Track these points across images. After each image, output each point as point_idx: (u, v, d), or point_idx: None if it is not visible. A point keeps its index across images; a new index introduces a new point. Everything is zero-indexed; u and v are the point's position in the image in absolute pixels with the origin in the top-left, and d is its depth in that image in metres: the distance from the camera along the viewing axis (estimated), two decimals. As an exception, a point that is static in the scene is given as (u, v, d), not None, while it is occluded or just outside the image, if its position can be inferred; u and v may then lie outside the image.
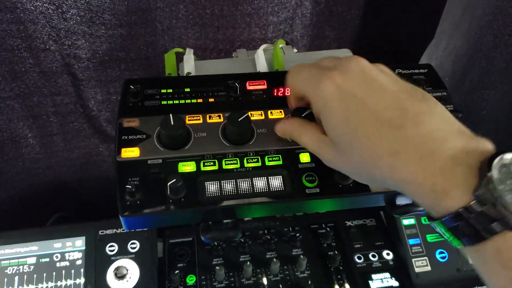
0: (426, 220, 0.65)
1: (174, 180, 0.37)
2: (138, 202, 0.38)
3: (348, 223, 0.68)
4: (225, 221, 0.42)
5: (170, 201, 0.38)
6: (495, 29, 0.58)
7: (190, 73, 0.52)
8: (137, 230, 0.61)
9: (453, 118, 0.31)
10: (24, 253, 0.58)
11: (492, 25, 0.57)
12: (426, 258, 0.63)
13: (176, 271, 0.59)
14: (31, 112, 0.67)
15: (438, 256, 0.63)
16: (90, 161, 0.78)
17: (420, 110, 0.30)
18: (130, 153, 0.41)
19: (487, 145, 0.29)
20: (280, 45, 0.59)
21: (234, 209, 0.40)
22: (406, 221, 0.66)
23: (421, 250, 0.64)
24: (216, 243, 0.62)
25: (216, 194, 0.39)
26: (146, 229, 0.60)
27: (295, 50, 0.60)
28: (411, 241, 0.64)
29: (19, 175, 0.74)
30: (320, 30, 0.70)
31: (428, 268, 0.62)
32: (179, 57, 0.55)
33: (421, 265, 0.62)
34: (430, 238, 0.65)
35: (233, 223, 0.41)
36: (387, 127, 0.30)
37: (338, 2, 0.67)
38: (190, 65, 0.54)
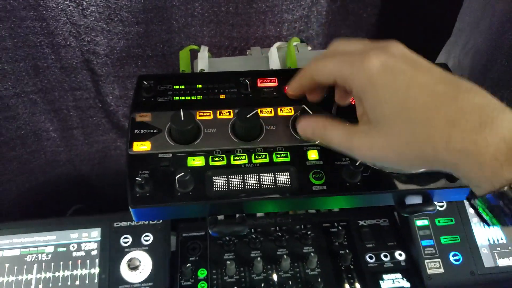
0: (440, 221, 0.65)
1: (182, 173, 0.38)
2: (148, 194, 0.39)
3: (361, 222, 0.67)
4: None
5: (179, 194, 0.39)
6: (516, 27, 0.56)
7: (204, 70, 0.53)
8: (150, 223, 0.62)
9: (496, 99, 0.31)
10: (43, 242, 0.60)
11: (514, 22, 0.56)
12: (439, 260, 0.62)
13: (188, 265, 0.60)
14: (52, 106, 0.69)
15: (451, 259, 0.62)
16: (108, 155, 0.80)
17: (470, 86, 0.30)
18: (142, 146, 0.42)
19: None
20: (294, 43, 0.59)
21: (240, 204, 0.40)
22: (419, 222, 0.65)
23: (434, 251, 0.63)
24: (227, 238, 0.63)
25: (223, 188, 0.40)
26: (159, 221, 0.62)
27: (310, 48, 0.60)
28: (424, 242, 0.63)
29: (41, 167, 0.77)
30: (336, 29, 0.70)
31: (441, 270, 0.61)
32: (194, 55, 0.56)
33: (433, 267, 0.61)
34: (444, 240, 0.64)
35: (240, 218, 0.42)
36: (442, 99, 0.29)
37: (354, 0, 0.66)
38: (204, 62, 0.54)
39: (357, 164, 0.40)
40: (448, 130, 0.29)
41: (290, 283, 0.59)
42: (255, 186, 0.40)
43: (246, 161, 0.41)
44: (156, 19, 0.60)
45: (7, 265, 0.58)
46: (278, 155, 0.42)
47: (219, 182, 0.40)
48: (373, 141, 0.33)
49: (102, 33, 0.60)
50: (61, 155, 0.77)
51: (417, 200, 0.44)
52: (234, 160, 0.42)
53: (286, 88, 0.46)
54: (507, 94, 0.67)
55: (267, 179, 0.41)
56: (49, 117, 0.71)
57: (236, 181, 0.40)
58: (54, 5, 0.56)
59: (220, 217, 0.42)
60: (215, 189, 0.40)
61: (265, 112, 0.45)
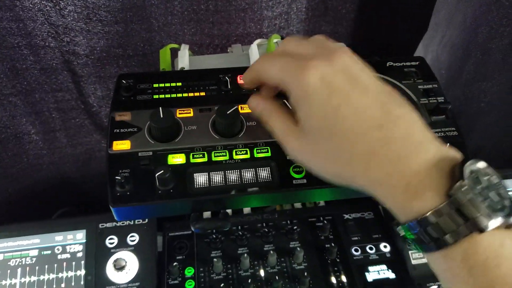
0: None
1: (162, 171, 0.38)
2: (128, 193, 0.39)
3: (346, 216, 0.68)
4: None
5: (159, 192, 0.39)
6: (490, 20, 0.57)
7: (184, 68, 0.53)
8: (136, 222, 0.62)
9: (426, 126, 0.31)
10: (27, 246, 0.59)
11: (487, 16, 0.57)
12: (423, 250, 0.63)
13: (175, 263, 0.60)
14: (34, 108, 0.69)
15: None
16: (93, 157, 0.80)
17: (400, 113, 0.30)
18: (122, 145, 0.42)
19: (457, 153, 0.30)
20: (275, 40, 0.59)
21: (222, 200, 0.40)
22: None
23: (418, 242, 0.63)
24: (214, 236, 0.63)
25: (204, 185, 0.40)
26: (144, 221, 0.62)
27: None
28: (424, 249, 0.64)
29: (24, 171, 0.76)
30: (315, 25, 0.70)
31: (425, 260, 0.62)
32: (175, 53, 0.56)
33: (418, 257, 0.62)
34: (427, 230, 0.65)
35: (223, 214, 0.42)
36: (368, 126, 0.30)
37: (333, -4, 0.67)
38: (184, 60, 0.54)
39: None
40: (368, 159, 0.30)
41: (277, 278, 0.60)
42: (237, 182, 0.40)
43: (227, 157, 0.42)
44: (136, 18, 0.60)
45: (-10, 270, 0.57)
46: (259, 151, 0.42)
47: (201, 179, 0.40)
48: (302, 147, 0.34)
49: (81, 33, 0.59)
50: (44, 158, 0.76)
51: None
52: (215, 156, 0.42)
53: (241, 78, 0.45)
54: (483, 86, 0.68)
55: (248, 174, 0.41)
56: (30, 119, 0.70)
57: (217, 177, 0.41)
58: (30, 5, 0.56)
59: (207, 213, 0.42)
60: (197, 186, 0.40)
61: (246, 109, 0.45)
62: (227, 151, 0.42)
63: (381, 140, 0.29)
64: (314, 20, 0.70)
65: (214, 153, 0.42)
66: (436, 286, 0.61)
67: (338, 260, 0.62)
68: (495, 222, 0.27)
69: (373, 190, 0.31)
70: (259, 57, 0.39)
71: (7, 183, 0.76)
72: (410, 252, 0.62)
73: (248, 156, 0.42)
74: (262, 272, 0.61)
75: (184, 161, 0.41)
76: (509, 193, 0.29)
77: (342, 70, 0.32)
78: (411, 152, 0.29)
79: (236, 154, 0.42)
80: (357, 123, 0.30)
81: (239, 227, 0.65)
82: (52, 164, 0.78)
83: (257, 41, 0.58)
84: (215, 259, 0.60)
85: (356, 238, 0.65)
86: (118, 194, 0.39)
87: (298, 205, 0.69)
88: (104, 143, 0.79)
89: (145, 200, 0.39)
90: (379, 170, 0.29)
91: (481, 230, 0.27)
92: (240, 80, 0.48)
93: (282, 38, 0.61)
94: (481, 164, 0.29)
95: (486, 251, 0.26)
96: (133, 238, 0.61)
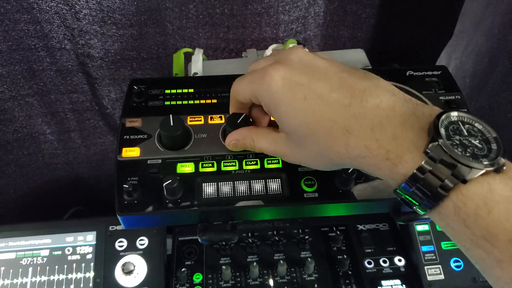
0: (441, 227, 0.64)
1: (170, 181, 0.37)
2: (136, 202, 0.38)
3: (360, 227, 0.66)
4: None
5: (167, 201, 0.38)
6: (519, 27, 0.54)
7: (197, 74, 0.53)
8: (146, 227, 0.62)
9: (398, 90, 0.32)
10: (38, 245, 0.60)
11: (516, 23, 0.54)
12: (439, 266, 0.61)
13: (183, 269, 0.60)
14: (49, 109, 0.69)
15: (452, 265, 0.61)
16: (106, 158, 0.80)
17: (364, 86, 0.31)
18: (131, 152, 0.41)
19: (435, 109, 0.30)
20: (291, 45, 0.58)
21: (230, 212, 0.39)
22: (420, 227, 0.64)
23: (434, 257, 0.61)
24: (224, 243, 0.62)
25: (213, 195, 0.39)
26: (152, 227, 0.61)
27: (306, 50, 0.59)
28: (424, 248, 0.62)
29: (39, 170, 0.77)
30: (334, 30, 0.69)
31: (442, 276, 0.60)
32: (189, 57, 0.55)
33: (434, 273, 0.60)
34: (444, 245, 0.62)
35: (231, 225, 0.41)
36: (336, 107, 0.30)
37: (352, 1, 0.65)
38: (197, 65, 0.54)
39: (349, 171, 0.39)
40: (346, 139, 0.30)
41: (286, 288, 0.58)
42: (246, 193, 0.39)
43: (236, 167, 0.41)
44: (150, 21, 0.59)
45: (2, 268, 0.58)
46: (270, 161, 0.41)
47: (209, 189, 0.39)
48: (291, 149, 0.35)
49: (96, 36, 0.59)
50: (58, 158, 0.77)
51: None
52: (224, 166, 0.41)
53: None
54: (510, 96, 0.65)
55: (257, 186, 0.40)
56: (46, 120, 0.70)
57: (226, 188, 0.40)
58: (47, 8, 0.56)
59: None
60: (205, 196, 0.39)
61: None
62: (237, 161, 0.41)
63: (352, 117, 0.30)
64: (332, 25, 0.68)
65: (224, 162, 0.41)
66: (453, 304, 0.58)
67: (350, 272, 0.61)
68: (478, 170, 0.27)
69: (359, 165, 0.31)
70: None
71: (23, 181, 0.77)
72: (426, 267, 0.60)
73: (258, 166, 0.41)
74: (271, 282, 0.60)
75: (193, 170, 0.40)
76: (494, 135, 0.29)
77: (298, 64, 0.33)
78: (384, 119, 0.29)
79: (246, 165, 0.41)
80: (326, 107, 0.31)
81: (249, 234, 0.64)
82: (66, 164, 0.79)
83: (272, 46, 0.57)
84: (223, 267, 0.59)
85: (369, 250, 0.63)
86: (126, 202, 0.38)
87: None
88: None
89: (153, 209, 0.38)
90: (358, 146, 0.30)
91: (464, 180, 0.27)
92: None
93: (299, 43, 0.60)
94: (461, 114, 0.30)
95: (474, 200, 0.26)
96: (143, 242, 0.61)
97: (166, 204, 0.38)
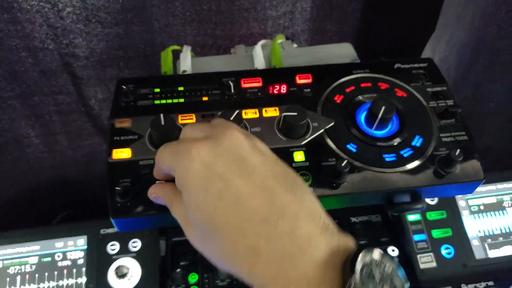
0: (432, 215, 0.65)
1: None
2: (129, 204, 0.38)
3: (353, 219, 0.67)
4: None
5: (161, 202, 0.38)
6: (499, 20, 0.56)
7: (186, 71, 0.52)
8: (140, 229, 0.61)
9: (320, 210, 0.29)
10: (26, 253, 0.58)
11: (496, 16, 0.55)
12: (431, 254, 0.62)
13: (178, 270, 0.59)
14: (33, 111, 0.68)
15: (444, 252, 0.62)
16: (94, 160, 0.79)
17: (287, 202, 0.27)
18: (122, 154, 0.40)
19: (350, 243, 0.28)
20: (279, 40, 0.58)
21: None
22: (411, 217, 0.65)
23: (426, 246, 0.62)
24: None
25: (207, 195, 0.39)
26: (146, 229, 0.61)
27: (295, 45, 0.59)
28: (416, 237, 0.63)
29: (24, 175, 0.75)
30: (321, 24, 0.69)
31: (434, 264, 0.61)
32: (177, 55, 0.54)
33: (426, 261, 0.61)
34: (435, 234, 0.64)
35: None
36: (250, 219, 0.27)
37: (338, -5, 0.66)
38: (186, 63, 0.53)
39: (343, 164, 0.39)
40: (252, 257, 0.27)
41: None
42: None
43: (231, 165, 0.40)
44: (136, 19, 0.58)
45: (-11, 278, 0.57)
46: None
47: (203, 188, 0.39)
48: (197, 236, 0.31)
49: (81, 35, 0.58)
50: (45, 162, 0.75)
51: (405, 198, 0.43)
52: None
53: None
54: (493, 87, 0.67)
55: (253, 182, 0.39)
56: (30, 123, 0.69)
57: (221, 186, 0.39)
58: (28, 7, 0.54)
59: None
60: (199, 196, 0.39)
61: (250, 114, 0.44)
62: None
63: (265, 236, 0.26)
64: (319, 19, 0.68)
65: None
66: (445, 292, 0.59)
67: (344, 265, 0.61)
68: None
69: None
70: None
71: (7, 187, 0.75)
72: (418, 256, 0.61)
73: (252, 163, 0.40)
74: (266, 278, 0.60)
75: None
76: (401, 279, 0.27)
77: (227, 152, 0.29)
78: (297, 250, 0.26)
79: (241, 162, 0.41)
80: (238, 215, 0.27)
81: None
82: (52, 167, 0.77)
83: (261, 42, 0.57)
84: (219, 265, 0.59)
85: (363, 242, 0.64)
86: (119, 205, 0.37)
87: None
88: (106, 146, 0.78)
89: (147, 211, 0.37)
90: (264, 271, 0.26)
91: None
92: (244, 84, 0.47)
93: (287, 38, 0.60)
94: (375, 255, 0.27)
95: None
96: (135, 244, 0.60)
97: (161, 205, 0.38)
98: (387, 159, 0.42)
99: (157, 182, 0.36)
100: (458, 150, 0.40)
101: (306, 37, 0.70)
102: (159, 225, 0.44)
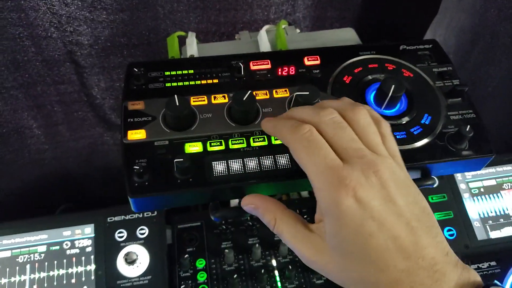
0: (433, 198, 0.66)
1: (182, 159, 0.37)
2: (147, 183, 0.38)
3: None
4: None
5: (178, 181, 0.38)
6: (499, 3, 0.57)
7: (193, 56, 0.52)
8: (145, 215, 0.61)
9: (450, 249, 0.32)
10: (34, 242, 0.58)
11: None
12: (434, 236, 0.63)
13: (186, 256, 0.59)
14: (35, 101, 0.67)
15: (446, 234, 0.63)
16: (96, 150, 0.78)
17: (427, 242, 0.30)
18: (137, 135, 0.40)
19: (477, 278, 0.31)
20: (283, 26, 0.58)
21: (242, 188, 0.40)
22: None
23: (429, 228, 0.63)
24: (224, 227, 0.62)
25: (223, 173, 0.39)
26: (153, 214, 0.61)
27: (298, 31, 0.60)
28: (419, 220, 0.64)
29: (26, 166, 0.74)
30: (322, 10, 0.69)
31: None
32: (181, 42, 0.54)
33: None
34: (437, 216, 0.65)
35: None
36: (395, 255, 0.30)
37: (340, -19, 0.66)
38: (193, 48, 0.53)
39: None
40: (391, 287, 0.30)
41: (290, 267, 0.59)
42: (256, 169, 0.40)
43: (244, 145, 0.41)
44: (141, 5, 0.58)
45: (-2, 267, 0.56)
46: (277, 137, 0.41)
47: (219, 167, 0.39)
48: (322, 258, 0.33)
49: (86, 22, 0.57)
50: (46, 153, 0.75)
51: (416, 175, 0.44)
52: (232, 144, 0.41)
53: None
54: (491, 70, 0.68)
55: (267, 161, 0.40)
56: (32, 113, 0.68)
57: (236, 165, 0.40)
58: (32, -6, 0.54)
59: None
60: (215, 174, 0.39)
61: (260, 95, 0.45)
62: (244, 138, 0.41)
63: (406, 270, 0.29)
64: (320, 6, 0.69)
65: (232, 140, 0.41)
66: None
67: (350, 247, 0.62)
68: None
69: None
70: (288, 121, 0.36)
71: (9, 179, 0.74)
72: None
73: (266, 143, 0.41)
74: (274, 262, 0.61)
75: (201, 150, 0.40)
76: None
77: (380, 189, 0.31)
78: (434, 282, 0.29)
79: (254, 142, 0.41)
80: (386, 253, 0.30)
81: (249, 217, 0.64)
82: (54, 159, 0.76)
83: (266, 27, 0.57)
84: (226, 250, 0.60)
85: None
86: (136, 184, 0.37)
87: (305, 193, 0.68)
88: (107, 136, 0.78)
89: (165, 189, 0.38)
90: None
91: None
92: (253, 66, 0.47)
93: (290, 24, 0.60)
94: None
95: None
96: (143, 231, 0.60)
97: (178, 184, 0.38)
98: (398, 137, 0.42)
99: (253, 194, 0.38)
100: (468, 126, 0.41)
101: (308, 23, 0.71)
102: (175, 205, 0.44)
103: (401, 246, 0.30)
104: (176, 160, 0.37)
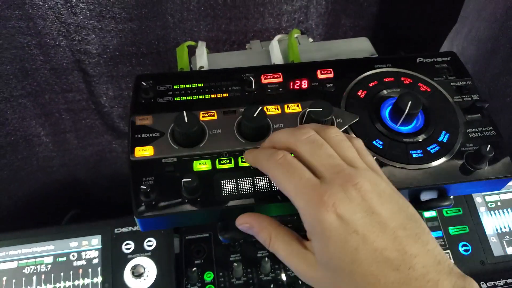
0: (448, 212, 0.64)
1: (190, 179, 0.36)
2: (154, 203, 0.37)
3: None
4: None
5: (186, 201, 0.37)
6: (521, 12, 0.55)
7: (203, 67, 0.51)
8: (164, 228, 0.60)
9: (444, 255, 0.31)
10: (41, 253, 0.58)
11: (518, 8, 0.54)
12: (448, 251, 0.61)
13: (194, 268, 0.58)
14: (43, 110, 0.66)
15: (461, 249, 0.62)
16: (104, 158, 0.78)
17: (416, 251, 0.30)
18: (144, 152, 0.39)
19: (473, 285, 0.30)
20: (295, 35, 0.57)
21: (252, 208, 0.38)
22: (427, 214, 0.64)
23: (443, 243, 0.62)
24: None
25: (232, 193, 0.38)
26: (169, 228, 0.60)
27: (311, 40, 0.58)
28: (433, 234, 0.62)
29: (34, 174, 0.74)
30: (335, 18, 0.68)
31: (451, 261, 0.60)
32: (191, 51, 0.53)
33: (440, 253, 0.61)
34: (452, 230, 0.63)
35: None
36: (384, 267, 0.29)
37: (354, -11, 0.64)
38: (203, 58, 0.52)
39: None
40: None
41: (300, 282, 0.58)
42: (266, 189, 0.38)
43: (255, 163, 0.39)
44: (151, 14, 0.57)
45: (4, 278, 0.56)
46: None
47: (228, 186, 0.38)
48: (315, 275, 0.33)
49: (94, 31, 0.57)
50: (54, 161, 0.74)
51: (432, 195, 0.42)
52: (242, 162, 0.40)
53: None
54: (510, 81, 0.66)
55: (278, 181, 0.39)
56: (40, 121, 0.68)
57: (245, 184, 0.38)
58: (41, 3, 0.53)
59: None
60: (224, 193, 0.38)
61: (272, 110, 0.43)
62: None
63: (397, 282, 0.29)
64: (334, 14, 0.67)
65: (241, 158, 0.40)
66: None
67: (361, 263, 0.60)
68: None
69: None
70: (266, 150, 0.36)
71: (17, 186, 0.74)
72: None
73: (277, 161, 0.40)
74: (284, 276, 0.59)
75: (210, 167, 0.39)
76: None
77: (361, 202, 0.30)
78: None
79: (264, 159, 0.40)
80: (374, 265, 0.29)
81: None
82: (62, 166, 0.76)
83: (278, 36, 0.56)
84: (235, 263, 0.58)
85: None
86: (143, 204, 0.36)
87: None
88: (115, 144, 0.77)
89: (172, 209, 0.37)
90: None
91: None
92: (264, 80, 0.46)
93: (302, 33, 0.59)
94: None
95: None
96: (150, 243, 0.60)
97: (185, 204, 0.37)
98: (414, 155, 0.41)
99: (247, 213, 0.37)
100: (489, 146, 0.39)
101: (320, 31, 0.69)
102: (183, 224, 0.43)
103: (389, 257, 0.29)
104: (184, 180, 0.36)
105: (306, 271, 0.33)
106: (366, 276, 0.29)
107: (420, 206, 0.42)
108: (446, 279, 0.29)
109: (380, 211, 0.30)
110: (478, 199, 0.65)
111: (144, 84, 0.43)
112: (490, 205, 0.65)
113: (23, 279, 0.56)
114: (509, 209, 0.65)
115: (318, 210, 0.30)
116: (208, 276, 0.60)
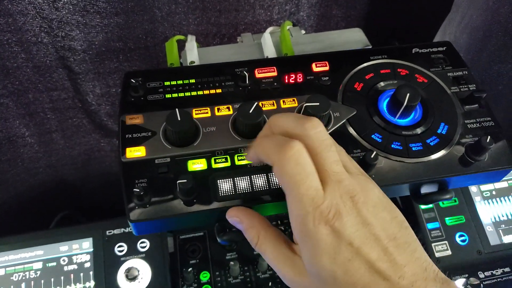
0: (444, 202, 0.64)
1: (185, 180, 0.34)
2: (147, 206, 0.35)
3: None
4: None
5: (182, 203, 0.35)
6: (513, 0, 0.54)
7: (194, 62, 0.49)
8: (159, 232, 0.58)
9: (429, 261, 0.31)
10: (30, 258, 0.56)
11: (511, -4, 0.54)
12: (446, 242, 0.61)
13: (189, 269, 0.57)
14: (27, 109, 0.64)
15: (458, 240, 0.61)
16: (92, 157, 0.76)
17: (405, 261, 0.30)
18: (136, 152, 0.38)
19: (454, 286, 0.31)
20: (288, 27, 0.55)
21: (250, 208, 0.37)
22: (423, 205, 0.64)
23: (440, 234, 0.62)
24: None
25: (230, 192, 0.37)
26: (165, 231, 0.58)
27: (303, 32, 0.57)
28: (430, 225, 0.62)
29: (19, 176, 0.72)
30: (327, 9, 0.66)
31: (449, 252, 0.60)
32: (180, 45, 0.51)
33: (441, 249, 0.60)
34: (449, 221, 0.63)
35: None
36: (375, 278, 0.29)
37: (345, -22, 0.63)
38: (193, 53, 0.50)
39: (372, 156, 0.37)
40: None
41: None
42: (264, 187, 0.37)
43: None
44: (137, 8, 0.55)
45: (-8, 286, 0.54)
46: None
47: (225, 186, 0.37)
48: (303, 282, 0.32)
49: (78, 27, 0.54)
50: (40, 162, 0.72)
51: (433, 188, 0.42)
52: (238, 160, 0.38)
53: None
54: (502, 68, 0.65)
55: (276, 178, 0.37)
56: (24, 121, 0.65)
57: (243, 183, 0.37)
58: (20, -3, 0.50)
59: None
60: (221, 194, 0.36)
61: (267, 105, 0.42)
62: None
63: None
64: (325, 4, 0.66)
65: (238, 156, 0.38)
66: (463, 279, 0.59)
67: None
68: None
69: None
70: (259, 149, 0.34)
71: (2, 190, 0.71)
72: (433, 244, 0.60)
73: (274, 158, 0.38)
74: (281, 274, 0.59)
75: (206, 167, 0.38)
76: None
77: (357, 215, 0.30)
78: None
79: (262, 157, 0.38)
80: (366, 276, 0.29)
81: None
82: (49, 167, 0.73)
83: (269, 29, 0.54)
84: (231, 262, 0.57)
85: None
86: (137, 207, 0.35)
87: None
88: (103, 143, 0.75)
89: (167, 213, 0.35)
90: None
91: None
92: (258, 74, 0.44)
93: (294, 25, 0.57)
94: None
95: None
96: (144, 245, 0.58)
97: (181, 206, 0.35)
98: (414, 149, 0.40)
99: (239, 207, 0.36)
100: (489, 137, 0.38)
101: (312, 23, 0.68)
102: (180, 227, 0.42)
103: (380, 268, 0.29)
104: (179, 181, 0.34)
105: (293, 277, 0.33)
106: (356, 287, 0.29)
107: (421, 200, 0.41)
108: (433, 285, 0.30)
109: (374, 222, 0.30)
110: (473, 188, 0.65)
111: (133, 81, 0.41)
112: (485, 194, 0.65)
113: (11, 286, 0.54)
114: (504, 198, 0.65)
115: (313, 220, 0.29)
116: (204, 276, 0.59)
